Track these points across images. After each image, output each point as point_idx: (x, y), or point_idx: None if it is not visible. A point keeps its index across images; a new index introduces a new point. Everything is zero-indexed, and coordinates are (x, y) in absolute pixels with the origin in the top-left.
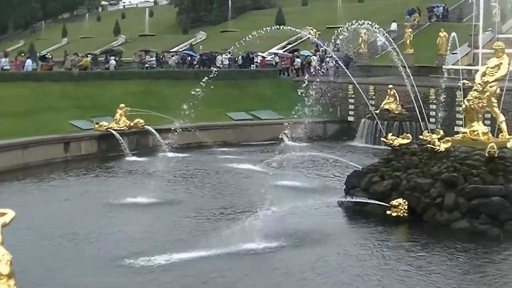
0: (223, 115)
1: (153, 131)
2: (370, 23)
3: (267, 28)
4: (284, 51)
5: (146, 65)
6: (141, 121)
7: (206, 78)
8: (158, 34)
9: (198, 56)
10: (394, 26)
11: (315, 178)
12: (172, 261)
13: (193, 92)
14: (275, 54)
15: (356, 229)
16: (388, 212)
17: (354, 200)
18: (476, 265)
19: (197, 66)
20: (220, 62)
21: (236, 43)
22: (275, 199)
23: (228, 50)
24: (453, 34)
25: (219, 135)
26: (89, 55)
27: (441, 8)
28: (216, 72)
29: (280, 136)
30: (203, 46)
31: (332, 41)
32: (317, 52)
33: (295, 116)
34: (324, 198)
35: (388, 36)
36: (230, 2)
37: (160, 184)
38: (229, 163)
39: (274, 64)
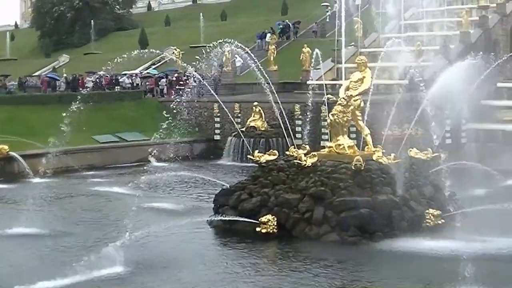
0: (89, 139)
1: (18, 157)
2: (232, 41)
3: (134, 51)
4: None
5: (8, 90)
6: (6, 147)
7: (72, 102)
8: (20, 58)
9: (63, 79)
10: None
11: (183, 198)
12: None
13: (64, 115)
14: (135, 75)
15: (226, 248)
16: (257, 229)
17: (223, 218)
18: (348, 278)
19: (61, 89)
20: (85, 85)
21: (105, 66)
22: (142, 222)
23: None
24: (316, 50)
25: (86, 159)
26: None
27: (282, 25)
28: (80, 96)
29: (147, 158)
30: (66, 69)
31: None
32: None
33: (162, 136)
34: (193, 218)
35: (251, 53)
36: (92, 24)
37: (23, 211)
38: (96, 187)
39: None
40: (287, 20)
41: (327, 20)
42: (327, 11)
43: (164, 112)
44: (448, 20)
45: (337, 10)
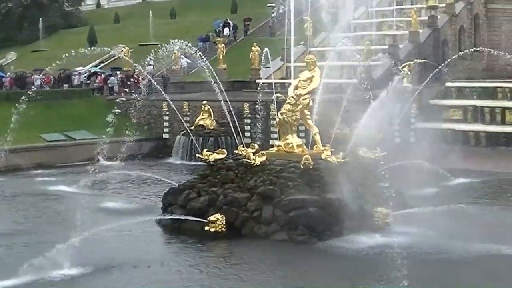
0: (37, 137)
1: None
2: (182, 40)
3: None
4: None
5: None
6: None
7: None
8: None
9: (8, 77)
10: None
11: (132, 197)
12: None
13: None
14: (79, 72)
15: (174, 247)
16: (206, 228)
17: (171, 217)
18: (295, 275)
19: (8, 87)
20: (33, 83)
21: (53, 63)
22: (91, 221)
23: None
24: (266, 48)
25: (34, 158)
26: None
27: (221, 23)
28: (29, 93)
29: (96, 156)
30: (14, 67)
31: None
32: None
33: (110, 135)
34: (142, 217)
35: (199, 52)
36: (41, 21)
37: None
38: (45, 186)
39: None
40: (227, 18)
41: (275, 20)
42: (273, 12)
43: (113, 110)
44: (397, 19)
45: (286, 9)
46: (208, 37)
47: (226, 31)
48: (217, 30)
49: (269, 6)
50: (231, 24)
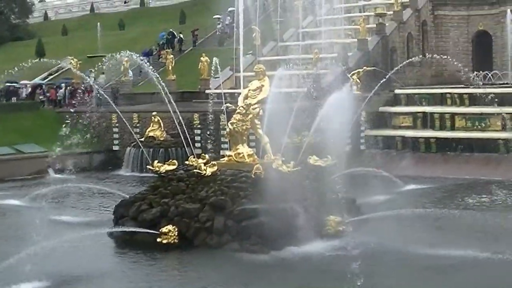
0: None
1: None
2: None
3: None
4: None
5: None
6: None
7: None
8: None
9: None
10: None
11: (82, 210)
12: None
13: None
14: (26, 85)
15: (125, 259)
16: (158, 239)
17: (123, 230)
18: (247, 284)
19: None
20: None
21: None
22: (41, 235)
23: None
24: (215, 58)
25: None
26: None
27: (165, 36)
28: None
29: (46, 169)
30: None
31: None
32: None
33: (60, 148)
34: (93, 230)
35: (147, 63)
36: None
37: None
38: None
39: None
40: (171, 29)
41: (219, 32)
42: (219, 24)
43: (62, 123)
44: (346, 27)
45: (231, 20)
46: (152, 51)
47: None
48: (160, 43)
49: (215, 17)
50: (177, 36)
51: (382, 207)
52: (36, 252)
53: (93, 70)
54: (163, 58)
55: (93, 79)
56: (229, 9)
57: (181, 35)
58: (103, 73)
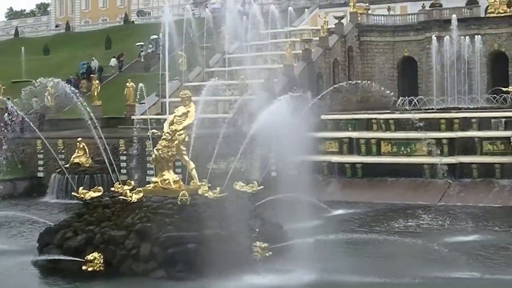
0: None
1: None
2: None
3: None
4: None
5: None
6: None
7: None
8: None
9: None
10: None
11: (6, 238)
12: None
13: None
14: None
15: None
16: (84, 267)
17: (47, 258)
18: None
19: None
20: None
21: None
22: None
23: None
24: (141, 84)
25: None
26: None
27: (85, 65)
28: None
29: None
30: None
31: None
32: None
33: None
34: (17, 258)
35: (72, 88)
36: None
37: None
38: None
39: None
40: (94, 58)
41: (142, 60)
42: (142, 51)
43: None
44: (272, 53)
45: (161, 44)
46: (70, 80)
47: (113, 62)
48: (80, 73)
49: (137, 45)
50: (97, 65)
51: (308, 233)
52: None
53: (10, 98)
54: (83, 88)
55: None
56: (152, 36)
57: (98, 64)
58: (35, 96)
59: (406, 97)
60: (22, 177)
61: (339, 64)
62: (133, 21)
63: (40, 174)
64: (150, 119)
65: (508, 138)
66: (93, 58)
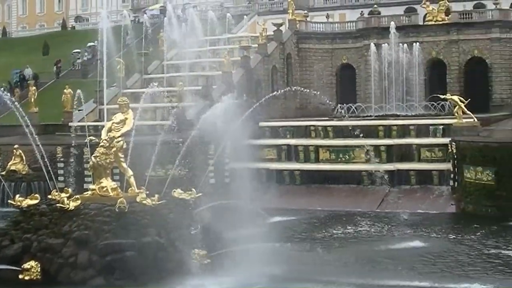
0: None
1: None
2: None
3: None
4: None
5: None
6: None
7: None
8: None
9: None
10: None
11: None
12: None
13: None
14: None
15: None
16: (20, 276)
17: None
18: None
19: None
20: None
21: None
22: None
23: None
24: (78, 91)
25: None
26: None
27: (18, 74)
28: None
29: None
30: None
31: None
32: None
33: None
34: None
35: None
36: None
37: None
38: None
39: None
40: (28, 66)
41: (78, 68)
42: (78, 58)
43: None
44: (210, 60)
45: (98, 50)
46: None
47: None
48: (13, 81)
49: (74, 52)
50: (31, 73)
51: (247, 240)
52: None
53: None
54: (16, 96)
55: None
56: (88, 44)
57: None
58: None
59: (345, 104)
60: None
61: (278, 71)
62: (73, 26)
63: None
64: (88, 126)
65: (446, 145)
66: (27, 66)
